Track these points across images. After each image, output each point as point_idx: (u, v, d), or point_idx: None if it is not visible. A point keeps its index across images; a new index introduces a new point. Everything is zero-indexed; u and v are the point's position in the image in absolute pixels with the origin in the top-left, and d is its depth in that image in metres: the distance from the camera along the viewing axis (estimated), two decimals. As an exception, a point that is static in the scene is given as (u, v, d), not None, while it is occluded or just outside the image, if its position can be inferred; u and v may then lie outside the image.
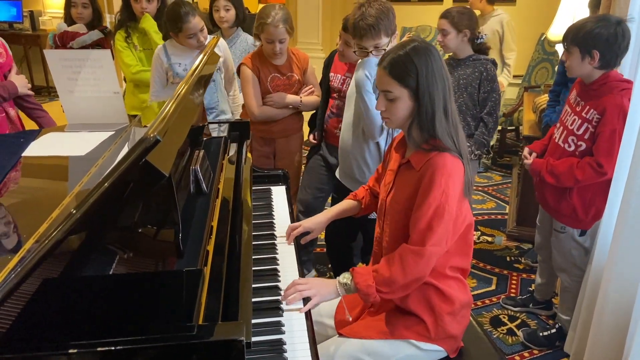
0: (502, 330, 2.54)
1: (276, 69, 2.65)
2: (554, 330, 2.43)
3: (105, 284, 1.09)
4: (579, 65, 2.02)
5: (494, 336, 2.49)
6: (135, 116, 2.23)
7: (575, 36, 1.99)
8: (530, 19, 5.26)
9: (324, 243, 3.15)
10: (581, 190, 2.13)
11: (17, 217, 1.31)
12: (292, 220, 1.92)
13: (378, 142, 2.15)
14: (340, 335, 1.57)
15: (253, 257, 1.53)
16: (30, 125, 2.73)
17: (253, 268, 1.46)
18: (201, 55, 1.80)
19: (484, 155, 2.96)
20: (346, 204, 1.82)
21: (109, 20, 5.60)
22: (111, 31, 3.33)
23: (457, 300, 1.51)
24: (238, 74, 2.75)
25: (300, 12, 5.78)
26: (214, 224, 1.41)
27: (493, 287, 2.88)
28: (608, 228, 1.99)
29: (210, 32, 2.80)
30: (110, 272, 1.11)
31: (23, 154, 1.70)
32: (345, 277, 1.49)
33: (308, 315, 1.42)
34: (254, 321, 1.26)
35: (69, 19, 3.39)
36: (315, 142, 2.74)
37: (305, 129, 2.94)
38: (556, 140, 2.21)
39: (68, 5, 3.35)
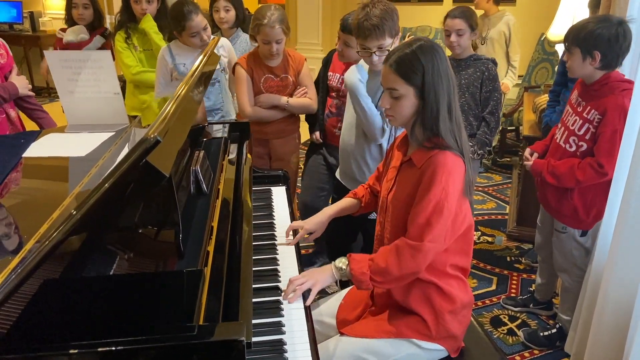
0: (503, 330, 2.54)
1: (270, 70, 2.64)
2: (554, 330, 2.43)
3: (106, 285, 1.09)
4: (580, 65, 2.02)
5: (495, 336, 2.49)
6: (135, 117, 2.23)
7: (577, 37, 1.99)
8: (530, 19, 5.26)
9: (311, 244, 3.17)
10: (582, 190, 2.13)
11: (17, 218, 1.31)
12: (292, 220, 1.92)
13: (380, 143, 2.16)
14: (342, 334, 1.57)
15: (253, 257, 1.53)
16: (30, 126, 2.73)
17: (253, 268, 1.46)
18: (201, 56, 1.81)
19: (486, 155, 2.96)
20: (346, 202, 1.82)
21: (109, 21, 5.60)
22: (111, 32, 3.34)
23: (458, 298, 1.52)
24: (234, 73, 2.75)
25: (300, 13, 5.78)
26: (215, 224, 1.41)
27: (493, 287, 2.88)
28: (608, 228, 1.99)
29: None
30: (111, 273, 1.11)
31: (23, 155, 1.71)
32: (341, 262, 1.52)
33: (308, 315, 1.42)
34: (254, 321, 1.27)
35: (69, 20, 3.39)
36: (320, 141, 2.73)
37: (304, 130, 2.93)
38: (557, 141, 2.21)
39: (69, 6, 3.36)
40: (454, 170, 1.40)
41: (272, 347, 1.27)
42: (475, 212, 3.67)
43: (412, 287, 1.52)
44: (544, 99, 3.24)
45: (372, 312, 1.63)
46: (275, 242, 1.76)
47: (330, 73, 2.69)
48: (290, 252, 1.71)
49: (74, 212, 0.94)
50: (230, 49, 2.84)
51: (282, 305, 1.43)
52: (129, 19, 3.01)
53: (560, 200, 2.20)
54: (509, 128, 4.92)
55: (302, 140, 3.03)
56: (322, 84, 2.74)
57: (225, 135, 2.13)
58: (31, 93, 2.61)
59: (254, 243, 1.62)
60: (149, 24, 2.94)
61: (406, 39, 2.19)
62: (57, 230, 0.92)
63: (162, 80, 2.66)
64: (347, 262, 1.51)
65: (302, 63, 2.70)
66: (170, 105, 1.21)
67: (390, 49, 1.96)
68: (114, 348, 0.92)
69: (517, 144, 5.08)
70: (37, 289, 0.94)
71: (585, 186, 2.10)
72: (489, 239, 3.39)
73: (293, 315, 1.40)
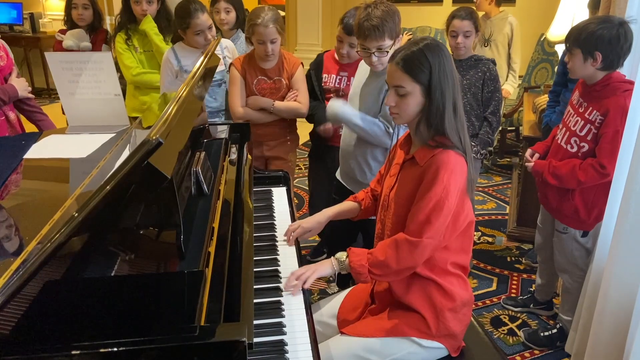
0: (503, 330, 2.54)
1: (263, 72, 2.63)
2: (554, 331, 2.43)
3: (108, 286, 1.09)
4: (582, 66, 2.02)
5: (495, 336, 2.49)
6: (136, 118, 2.24)
7: (577, 38, 1.99)
8: (530, 19, 5.27)
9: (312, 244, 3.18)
10: (583, 191, 2.13)
11: (19, 219, 1.32)
12: (293, 221, 1.92)
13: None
14: (342, 334, 1.58)
15: (254, 258, 1.53)
16: (30, 128, 2.73)
17: (254, 269, 1.47)
18: (202, 57, 1.81)
19: (488, 155, 2.97)
20: (346, 205, 1.83)
21: (109, 22, 5.60)
22: (111, 34, 3.34)
23: (458, 296, 1.53)
24: None
25: (300, 13, 5.78)
26: (215, 225, 1.41)
27: (494, 287, 2.88)
28: (608, 228, 1.99)
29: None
30: (113, 274, 1.11)
31: (24, 157, 1.71)
32: (341, 255, 1.55)
33: (309, 316, 1.42)
34: (255, 322, 1.27)
35: (69, 21, 3.39)
36: (330, 132, 2.66)
37: (301, 132, 2.92)
38: (559, 142, 2.21)
39: (68, 7, 3.36)
40: (456, 169, 1.42)
41: (273, 348, 1.28)
42: (475, 212, 3.66)
43: (412, 284, 1.53)
44: (543, 99, 3.25)
45: (372, 311, 1.63)
46: (276, 242, 1.76)
47: (324, 75, 2.68)
48: (291, 252, 1.71)
49: (76, 214, 0.94)
50: (233, 50, 2.85)
51: (283, 306, 1.43)
52: (129, 20, 3.01)
53: (561, 201, 2.20)
54: (509, 128, 4.92)
55: (302, 141, 3.02)
56: (318, 88, 2.72)
57: (226, 136, 2.14)
58: (31, 95, 2.61)
59: (254, 244, 1.62)
60: (149, 25, 2.94)
61: (403, 37, 2.21)
62: (59, 232, 0.92)
63: (167, 85, 2.66)
64: (346, 255, 1.54)
65: (297, 66, 2.67)
66: (171, 107, 1.21)
67: (389, 51, 1.98)
68: (115, 349, 0.92)
69: (517, 145, 5.08)
70: (39, 290, 0.94)
71: (587, 187, 2.10)
72: (489, 239, 3.39)
73: (294, 316, 1.40)
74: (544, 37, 4.33)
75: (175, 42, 2.75)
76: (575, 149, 2.11)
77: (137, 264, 1.20)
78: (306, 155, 4.54)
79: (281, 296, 1.47)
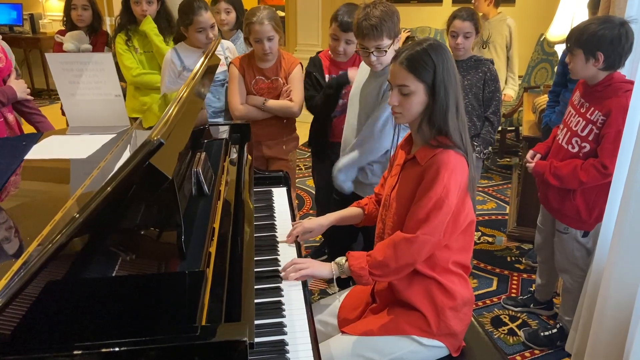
0: (503, 330, 2.54)
1: (261, 72, 2.63)
2: (555, 330, 2.43)
3: (109, 286, 1.09)
4: (583, 67, 2.02)
5: (495, 336, 2.49)
6: (136, 119, 2.24)
7: (579, 38, 1.99)
8: (530, 19, 5.27)
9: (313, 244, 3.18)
10: (585, 191, 2.13)
11: (20, 220, 1.32)
12: (294, 221, 1.93)
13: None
14: (343, 333, 1.59)
15: (255, 258, 1.54)
16: (28, 130, 2.72)
17: (255, 269, 1.47)
18: (202, 58, 1.81)
19: (490, 155, 2.98)
20: (349, 210, 1.83)
21: (108, 23, 5.61)
22: (110, 36, 3.35)
23: (459, 295, 1.53)
24: None
25: (300, 13, 5.78)
26: (216, 225, 1.42)
27: (494, 287, 2.88)
28: (608, 228, 1.99)
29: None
30: (114, 274, 1.11)
31: (25, 157, 1.71)
32: (341, 259, 1.56)
33: (310, 315, 1.42)
34: (256, 322, 1.27)
35: (69, 22, 3.40)
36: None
37: (301, 132, 2.92)
38: (560, 142, 2.21)
39: (68, 8, 3.36)
40: (457, 169, 1.43)
41: (274, 348, 1.28)
42: (475, 213, 3.67)
43: (413, 282, 1.53)
44: (543, 99, 3.25)
45: (373, 309, 1.64)
46: (277, 243, 1.77)
47: (326, 76, 2.68)
48: (292, 252, 1.72)
49: (78, 214, 0.95)
50: (234, 50, 2.86)
51: (283, 306, 1.44)
52: (129, 21, 3.01)
53: (563, 201, 2.20)
54: (508, 128, 4.93)
55: (302, 141, 3.02)
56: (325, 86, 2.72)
57: (226, 136, 2.14)
58: (29, 97, 2.60)
59: (255, 244, 1.63)
60: (149, 26, 2.94)
61: (402, 35, 2.21)
62: (61, 232, 0.93)
63: (169, 85, 2.66)
64: (345, 259, 1.55)
65: (294, 66, 2.66)
66: (172, 108, 1.22)
67: (388, 50, 1.99)
68: (117, 349, 0.93)
69: (517, 145, 5.09)
70: (41, 290, 0.95)
71: (588, 187, 2.10)
72: (489, 239, 3.39)
73: (294, 316, 1.41)
74: (543, 37, 4.33)
75: (177, 43, 2.75)
76: (576, 149, 2.12)
77: (138, 264, 1.21)
78: (306, 156, 4.55)
79: (282, 296, 1.48)
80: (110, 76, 2.02)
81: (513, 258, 3.18)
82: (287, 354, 1.26)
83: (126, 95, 3.09)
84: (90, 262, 1.10)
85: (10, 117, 2.53)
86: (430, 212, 1.41)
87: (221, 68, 2.66)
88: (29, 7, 6.97)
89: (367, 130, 2.12)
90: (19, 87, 2.51)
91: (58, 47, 3.41)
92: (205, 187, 1.53)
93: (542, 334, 2.44)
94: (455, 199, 1.43)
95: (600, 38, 1.94)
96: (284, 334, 1.33)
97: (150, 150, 0.99)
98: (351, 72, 2.41)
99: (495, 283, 2.92)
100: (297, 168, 4.39)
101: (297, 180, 4.20)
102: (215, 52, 2.01)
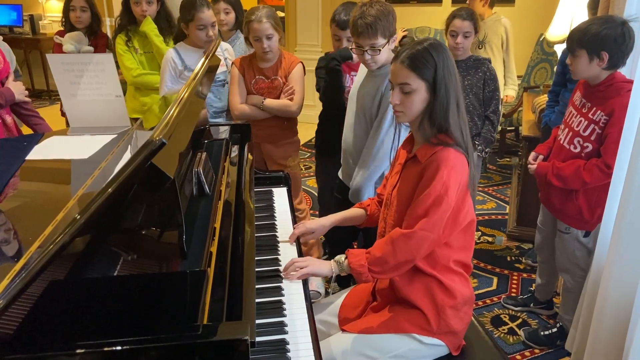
0: (503, 329, 2.55)
1: (261, 72, 2.64)
2: (555, 330, 2.43)
3: (111, 286, 1.10)
4: (587, 67, 2.02)
5: (495, 336, 2.50)
6: (136, 119, 2.24)
7: (582, 39, 1.99)
8: (529, 19, 5.28)
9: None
10: (587, 191, 2.14)
11: (22, 221, 1.32)
12: (294, 221, 1.93)
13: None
14: (344, 331, 1.59)
15: (255, 258, 1.54)
16: (26, 132, 2.72)
17: (256, 269, 1.47)
18: (202, 59, 1.82)
19: (490, 153, 2.99)
20: (352, 211, 1.84)
21: (108, 24, 5.62)
22: (109, 37, 3.35)
23: (459, 294, 1.54)
24: None
25: (299, 14, 5.78)
26: (217, 225, 1.42)
27: (494, 286, 2.89)
28: (608, 226, 1.99)
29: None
30: (116, 274, 1.12)
31: (26, 158, 1.72)
32: (340, 257, 1.57)
33: (311, 315, 1.43)
34: (257, 321, 1.27)
35: (67, 23, 3.40)
36: None
37: (302, 133, 2.91)
38: (561, 142, 2.21)
39: (67, 9, 3.36)
40: (456, 166, 1.44)
41: (274, 347, 1.28)
42: (475, 212, 3.68)
43: (414, 280, 1.54)
44: (543, 99, 3.25)
45: (374, 308, 1.65)
46: (277, 243, 1.77)
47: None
48: (293, 252, 1.72)
49: (81, 214, 0.95)
50: (232, 52, 2.87)
51: (284, 306, 1.44)
52: (129, 22, 3.02)
53: (565, 201, 2.20)
54: (508, 128, 4.93)
55: (303, 141, 3.02)
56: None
57: (227, 136, 2.14)
58: (27, 99, 2.59)
59: (256, 244, 1.63)
60: (149, 27, 2.95)
61: (399, 33, 2.22)
62: (63, 232, 0.93)
63: (169, 84, 2.66)
64: (345, 256, 1.56)
65: (294, 65, 2.65)
66: (174, 108, 1.22)
67: (382, 49, 2.00)
68: (119, 347, 0.93)
69: (516, 144, 5.10)
70: (43, 290, 0.95)
71: (590, 187, 2.10)
72: (489, 239, 3.40)
73: (295, 315, 1.41)
74: (543, 37, 4.34)
75: (176, 42, 2.75)
76: (578, 150, 2.12)
77: (140, 264, 1.21)
78: (306, 156, 4.55)
79: (282, 296, 1.48)
80: (111, 77, 2.02)
81: (513, 258, 3.18)
82: (288, 353, 1.27)
83: (126, 95, 3.10)
84: (93, 261, 1.11)
85: (9, 119, 2.53)
86: (429, 209, 1.42)
87: (221, 69, 2.67)
88: (28, 8, 6.98)
89: (370, 149, 2.11)
90: (17, 89, 2.51)
91: (58, 48, 3.41)
92: (206, 187, 1.53)
93: (542, 333, 2.44)
94: (455, 197, 1.44)
95: (604, 37, 1.94)
96: (285, 333, 1.33)
97: (153, 150, 1.00)
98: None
99: (495, 282, 2.92)
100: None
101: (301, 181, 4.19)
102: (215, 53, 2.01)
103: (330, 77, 2.58)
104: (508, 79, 4.22)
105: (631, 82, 1.99)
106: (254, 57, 2.64)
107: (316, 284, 2.79)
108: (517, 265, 3.10)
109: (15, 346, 0.91)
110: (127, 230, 1.22)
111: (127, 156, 1.59)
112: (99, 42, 3.41)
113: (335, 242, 2.61)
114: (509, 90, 4.18)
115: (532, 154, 2.39)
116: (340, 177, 2.38)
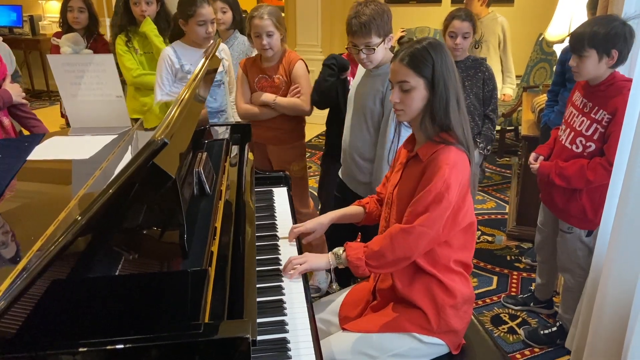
0: (503, 329, 2.55)
1: (263, 71, 2.64)
2: (554, 328, 2.44)
3: (113, 285, 1.10)
4: (595, 67, 2.01)
5: (495, 335, 2.50)
6: (136, 119, 2.25)
7: (592, 39, 1.98)
8: (528, 19, 5.29)
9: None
10: (591, 191, 2.14)
11: (23, 221, 1.33)
12: (294, 221, 1.94)
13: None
14: (344, 330, 1.60)
15: (256, 257, 1.55)
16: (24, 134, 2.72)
17: (256, 268, 1.48)
18: (203, 59, 1.82)
19: (490, 151, 3.00)
20: (350, 209, 1.85)
21: (108, 24, 5.61)
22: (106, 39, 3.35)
23: (460, 293, 1.54)
24: None
25: (299, 14, 5.79)
26: (218, 225, 1.43)
27: (494, 286, 2.90)
28: (607, 225, 2.00)
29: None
30: (118, 273, 1.12)
31: (27, 158, 1.72)
32: (338, 249, 1.59)
33: (311, 314, 1.44)
34: (258, 320, 1.28)
35: (65, 24, 3.40)
36: None
37: (309, 134, 2.90)
38: (562, 142, 2.21)
39: (64, 10, 3.36)
40: (458, 165, 1.44)
41: (275, 346, 1.29)
42: (475, 212, 3.69)
43: (415, 279, 1.54)
44: (542, 98, 3.26)
45: (374, 307, 1.65)
46: (278, 242, 1.78)
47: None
48: (293, 252, 1.73)
49: (83, 214, 0.96)
50: (228, 52, 2.87)
51: (285, 305, 1.45)
52: (129, 22, 3.02)
53: (568, 201, 2.20)
54: (508, 128, 4.94)
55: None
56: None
57: (227, 136, 2.15)
58: (25, 101, 2.58)
59: (256, 243, 1.64)
60: (149, 27, 2.95)
61: (397, 33, 2.23)
62: (66, 232, 0.94)
63: (165, 82, 2.65)
64: (343, 249, 1.57)
65: (295, 62, 2.62)
66: (175, 108, 1.23)
67: (377, 49, 2.00)
68: (122, 346, 0.94)
69: (516, 144, 5.10)
70: (46, 289, 0.96)
71: (594, 186, 2.11)
72: (489, 239, 3.41)
73: (296, 314, 1.42)
74: (542, 37, 4.34)
75: (173, 40, 2.73)
76: (580, 149, 2.12)
77: (141, 263, 1.22)
78: (307, 156, 4.56)
79: (283, 295, 1.49)
80: (112, 77, 2.03)
81: (513, 257, 3.19)
82: (289, 352, 1.27)
83: (126, 96, 3.10)
84: (95, 261, 1.11)
85: (6, 121, 2.52)
86: (429, 206, 1.43)
87: (218, 69, 2.67)
88: (28, 8, 6.99)
89: (383, 148, 2.11)
90: (15, 91, 2.50)
91: (55, 50, 3.41)
92: (207, 187, 1.54)
93: (541, 332, 2.45)
94: (456, 195, 1.44)
95: (615, 36, 1.95)
96: (286, 332, 1.34)
97: (154, 150, 1.00)
98: None
99: (495, 282, 2.93)
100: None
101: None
102: (214, 53, 2.02)
103: (322, 73, 2.56)
104: (506, 78, 4.22)
105: (631, 80, 2.00)
106: (259, 57, 2.65)
107: (318, 279, 2.79)
108: (516, 264, 3.11)
109: (17, 344, 0.92)
110: (129, 230, 1.22)
111: (127, 156, 1.59)
112: (99, 44, 3.41)
113: (334, 240, 2.61)
114: (507, 90, 4.18)
115: (533, 155, 2.39)
116: (340, 176, 2.39)
